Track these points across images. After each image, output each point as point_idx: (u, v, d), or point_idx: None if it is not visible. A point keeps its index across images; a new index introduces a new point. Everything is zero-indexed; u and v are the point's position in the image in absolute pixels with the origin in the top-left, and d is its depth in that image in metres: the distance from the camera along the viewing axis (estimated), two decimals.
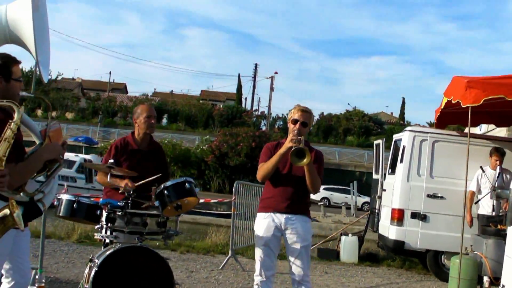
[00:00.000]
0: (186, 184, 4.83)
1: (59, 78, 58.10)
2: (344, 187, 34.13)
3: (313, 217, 21.98)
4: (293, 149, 4.49)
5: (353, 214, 22.51)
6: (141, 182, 5.09)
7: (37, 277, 5.32)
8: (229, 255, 8.77)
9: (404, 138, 9.54)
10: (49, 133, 3.74)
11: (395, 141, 10.41)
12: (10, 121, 3.05)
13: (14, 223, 2.86)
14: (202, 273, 8.03)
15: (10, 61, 3.61)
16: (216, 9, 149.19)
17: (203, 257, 9.46)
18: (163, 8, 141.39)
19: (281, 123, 48.08)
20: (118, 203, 4.84)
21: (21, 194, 3.52)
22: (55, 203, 4.80)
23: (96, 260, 4.72)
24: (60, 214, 4.79)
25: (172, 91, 76.09)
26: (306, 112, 4.83)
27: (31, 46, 4.28)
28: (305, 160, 4.49)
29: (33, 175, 3.62)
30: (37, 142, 3.78)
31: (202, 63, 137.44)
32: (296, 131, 4.71)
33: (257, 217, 5.01)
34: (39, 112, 47.01)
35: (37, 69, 4.55)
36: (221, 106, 52.97)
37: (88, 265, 4.87)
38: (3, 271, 3.64)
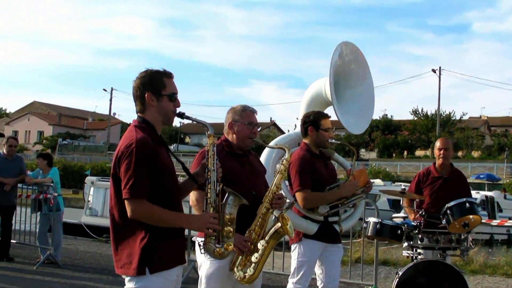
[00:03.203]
0: (467, 204, 5.35)
1: (464, 117, 58.85)
2: None
3: None
4: None
5: None
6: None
7: None
8: None
9: None
10: (354, 172, 4.86)
11: None
12: (283, 158, 4.19)
13: (284, 232, 4.04)
14: None
15: (320, 116, 4.89)
16: None
17: None
18: None
19: None
20: (412, 223, 5.65)
21: (315, 214, 4.73)
22: (363, 225, 5.91)
23: (399, 273, 5.62)
24: (369, 234, 5.83)
25: None
26: None
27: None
28: None
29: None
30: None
31: None
32: None
33: None
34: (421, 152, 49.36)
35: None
36: None
37: (395, 277, 5.78)
38: (315, 276, 4.85)
